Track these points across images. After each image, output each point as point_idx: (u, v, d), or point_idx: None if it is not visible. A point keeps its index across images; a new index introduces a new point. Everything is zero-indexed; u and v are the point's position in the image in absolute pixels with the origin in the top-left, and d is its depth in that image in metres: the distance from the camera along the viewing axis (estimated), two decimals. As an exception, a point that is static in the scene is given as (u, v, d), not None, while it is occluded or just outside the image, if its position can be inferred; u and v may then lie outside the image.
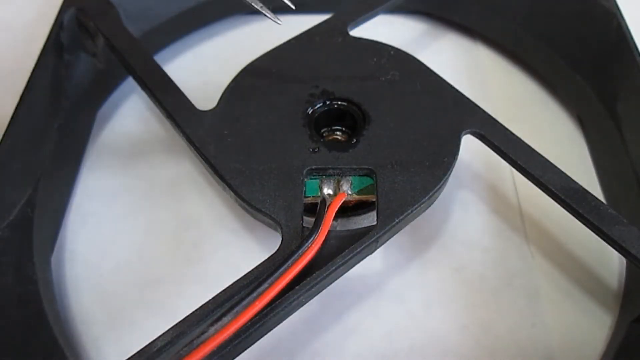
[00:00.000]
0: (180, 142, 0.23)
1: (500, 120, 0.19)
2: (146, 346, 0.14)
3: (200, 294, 0.15)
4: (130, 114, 0.25)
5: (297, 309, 0.16)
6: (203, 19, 0.27)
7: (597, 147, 0.23)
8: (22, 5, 0.29)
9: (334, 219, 0.17)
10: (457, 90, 0.20)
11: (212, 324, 0.14)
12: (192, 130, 0.19)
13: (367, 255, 0.17)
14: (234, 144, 0.19)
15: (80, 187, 0.22)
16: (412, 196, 0.18)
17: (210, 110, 0.20)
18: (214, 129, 0.19)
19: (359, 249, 0.16)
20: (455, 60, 0.27)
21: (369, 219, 0.19)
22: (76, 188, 0.22)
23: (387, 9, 0.24)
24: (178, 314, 0.15)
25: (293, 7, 0.19)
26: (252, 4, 0.19)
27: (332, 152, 0.19)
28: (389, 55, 0.21)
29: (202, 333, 0.14)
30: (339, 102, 0.20)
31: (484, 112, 0.20)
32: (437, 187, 0.18)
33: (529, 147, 0.18)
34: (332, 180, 0.19)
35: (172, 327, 0.15)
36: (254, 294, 0.14)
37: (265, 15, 0.19)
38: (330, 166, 0.18)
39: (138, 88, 0.22)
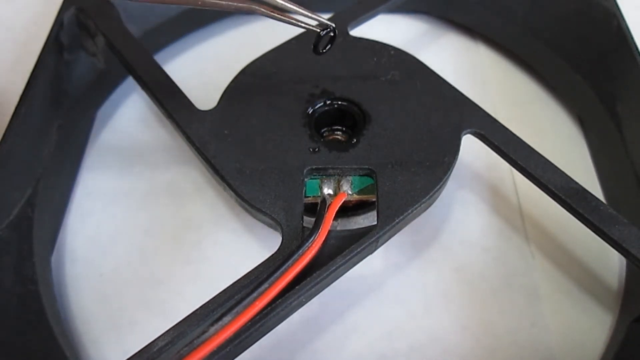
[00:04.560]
0: (180, 142, 0.23)
1: (500, 120, 0.19)
2: (146, 346, 0.14)
3: (200, 294, 0.15)
4: (130, 114, 0.25)
5: (297, 309, 0.16)
6: (203, 19, 0.27)
7: (597, 147, 0.23)
8: (22, 5, 0.29)
9: (334, 219, 0.17)
10: (457, 90, 0.20)
11: (212, 324, 0.14)
12: (192, 130, 0.19)
13: (367, 255, 0.17)
14: (234, 144, 0.19)
15: (80, 187, 0.22)
16: (412, 196, 0.18)
17: (210, 110, 0.20)
18: (214, 129, 0.19)
19: (359, 249, 0.16)
20: (455, 60, 0.27)
21: (369, 219, 0.19)
22: (76, 188, 0.22)
23: (387, 9, 0.24)
24: (178, 314, 0.15)
25: (333, 25, 0.18)
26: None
27: (332, 152, 0.19)
28: (389, 55, 0.21)
29: (203, 333, 0.14)
30: (339, 102, 0.20)
31: (484, 112, 0.20)
32: (438, 187, 0.18)
33: (529, 147, 0.18)
34: (332, 180, 0.19)
35: (172, 327, 0.15)
36: (254, 294, 0.14)
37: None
38: (330, 166, 0.18)
39: (138, 88, 0.22)
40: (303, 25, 0.18)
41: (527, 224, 0.21)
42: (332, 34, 0.18)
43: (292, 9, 0.17)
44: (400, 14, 0.29)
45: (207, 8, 0.16)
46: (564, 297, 0.19)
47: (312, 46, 0.19)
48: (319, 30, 0.18)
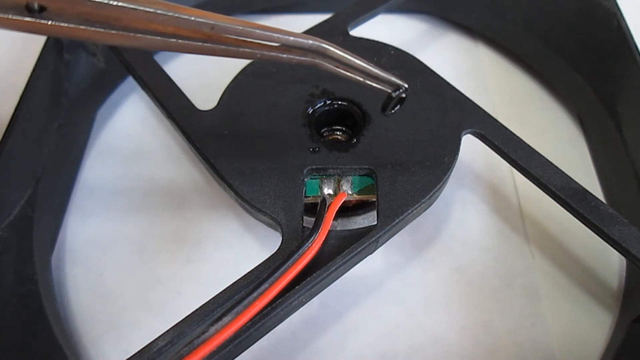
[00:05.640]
0: (181, 142, 0.23)
1: (500, 120, 0.19)
2: (146, 346, 0.14)
3: (200, 294, 0.15)
4: (130, 114, 0.25)
5: (297, 309, 0.16)
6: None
7: (597, 147, 0.23)
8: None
9: (334, 219, 0.17)
10: (457, 90, 0.20)
11: (212, 324, 0.14)
12: (192, 130, 0.19)
13: (367, 255, 0.17)
14: (234, 144, 0.19)
15: (80, 187, 0.22)
16: (412, 196, 0.18)
17: (210, 110, 0.20)
18: (214, 129, 0.19)
19: (359, 249, 0.16)
20: (456, 60, 0.27)
21: (369, 219, 0.19)
22: (76, 188, 0.22)
23: (387, 9, 0.24)
24: (178, 314, 0.15)
25: (406, 86, 0.16)
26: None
27: (332, 152, 0.19)
28: (389, 55, 0.21)
29: (203, 333, 0.14)
30: (340, 102, 0.20)
31: (484, 111, 0.20)
32: (438, 187, 0.18)
33: (529, 147, 0.18)
34: (332, 180, 0.19)
35: (172, 327, 0.15)
36: (254, 294, 0.14)
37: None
38: (330, 166, 0.18)
39: (138, 88, 0.22)
40: (372, 84, 0.16)
41: (527, 224, 0.21)
42: (403, 96, 0.16)
43: (361, 65, 0.16)
44: (400, 14, 0.29)
45: (265, 60, 0.15)
46: (564, 297, 0.19)
47: (381, 107, 0.17)
48: (389, 91, 0.16)
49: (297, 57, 0.15)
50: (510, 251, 0.20)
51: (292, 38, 0.15)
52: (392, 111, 0.17)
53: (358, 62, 0.16)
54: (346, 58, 0.15)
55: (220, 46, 0.14)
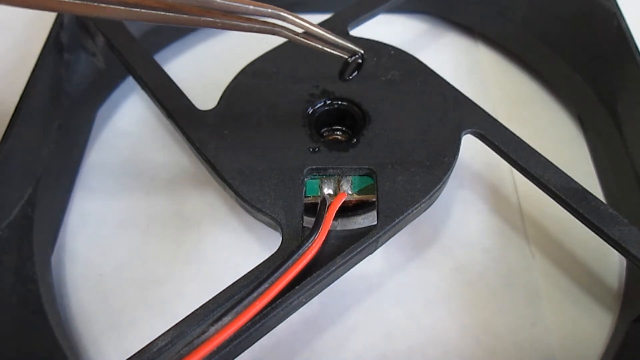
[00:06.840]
0: (181, 142, 0.23)
1: (500, 120, 0.19)
2: (146, 346, 0.14)
3: (200, 294, 0.15)
4: (130, 114, 0.25)
5: (297, 309, 0.16)
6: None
7: (597, 147, 0.23)
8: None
9: (334, 219, 0.17)
10: (457, 90, 0.20)
11: (212, 324, 0.14)
12: (192, 130, 0.19)
13: (367, 255, 0.17)
14: (234, 144, 0.19)
15: (80, 187, 0.22)
16: (412, 196, 0.18)
17: (210, 110, 0.20)
18: (214, 129, 0.19)
19: (359, 249, 0.16)
20: (456, 60, 0.27)
21: (369, 219, 0.19)
22: (76, 188, 0.22)
23: (387, 9, 0.24)
24: (178, 314, 0.15)
25: (362, 52, 0.17)
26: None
27: (332, 152, 0.19)
28: (389, 55, 0.21)
29: (203, 333, 0.14)
30: (339, 102, 0.20)
31: (484, 111, 0.20)
32: (437, 187, 0.18)
33: (529, 146, 0.18)
34: (332, 180, 0.19)
35: (172, 327, 0.15)
36: (254, 294, 0.14)
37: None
38: (330, 166, 0.18)
39: (138, 88, 0.22)
40: (329, 50, 0.17)
41: (527, 224, 0.21)
42: (359, 61, 0.17)
43: (319, 33, 0.16)
44: (400, 14, 0.29)
45: (227, 29, 0.15)
46: (564, 297, 0.19)
47: (339, 73, 0.18)
48: (346, 57, 0.17)
49: (257, 26, 0.15)
50: (510, 251, 0.20)
51: (251, 7, 0.15)
52: (350, 77, 0.18)
53: (316, 29, 0.16)
54: (304, 25, 0.16)
55: (183, 15, 0.14)
